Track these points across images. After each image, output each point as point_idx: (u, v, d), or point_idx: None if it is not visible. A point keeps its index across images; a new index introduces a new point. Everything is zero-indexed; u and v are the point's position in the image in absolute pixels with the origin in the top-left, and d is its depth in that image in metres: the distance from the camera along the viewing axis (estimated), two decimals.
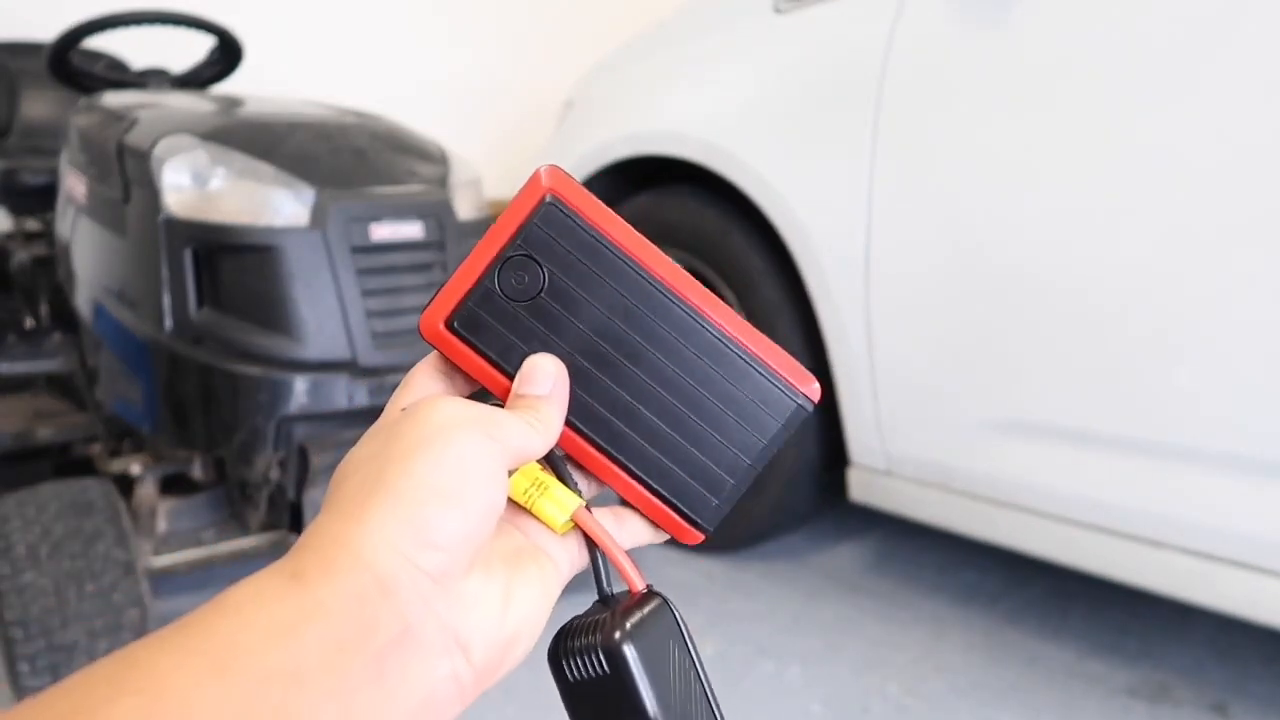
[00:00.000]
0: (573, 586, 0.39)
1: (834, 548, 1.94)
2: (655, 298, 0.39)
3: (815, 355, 1.62)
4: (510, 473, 0.37)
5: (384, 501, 0.32)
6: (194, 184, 1.41)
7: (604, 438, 0.39)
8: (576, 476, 0.40)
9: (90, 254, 1.58)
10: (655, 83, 1.95)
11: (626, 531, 0.40)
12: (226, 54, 1.90)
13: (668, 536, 0.41)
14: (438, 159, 1.62)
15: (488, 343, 0.38)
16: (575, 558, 0.38)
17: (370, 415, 1.38)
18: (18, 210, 2.08)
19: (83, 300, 1.60)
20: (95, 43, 1.96)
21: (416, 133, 1.70)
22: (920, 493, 1.53)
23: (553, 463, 0.39)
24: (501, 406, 0.37)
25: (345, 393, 1.38)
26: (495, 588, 0.34)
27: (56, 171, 1.78)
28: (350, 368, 1.39)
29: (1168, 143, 1.17)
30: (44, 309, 1.97)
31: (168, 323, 1.40)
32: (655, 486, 0.39)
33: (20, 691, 1.21)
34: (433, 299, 0.39)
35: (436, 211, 1.49)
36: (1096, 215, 1.24)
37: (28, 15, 2.44)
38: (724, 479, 0.39)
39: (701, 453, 0.39)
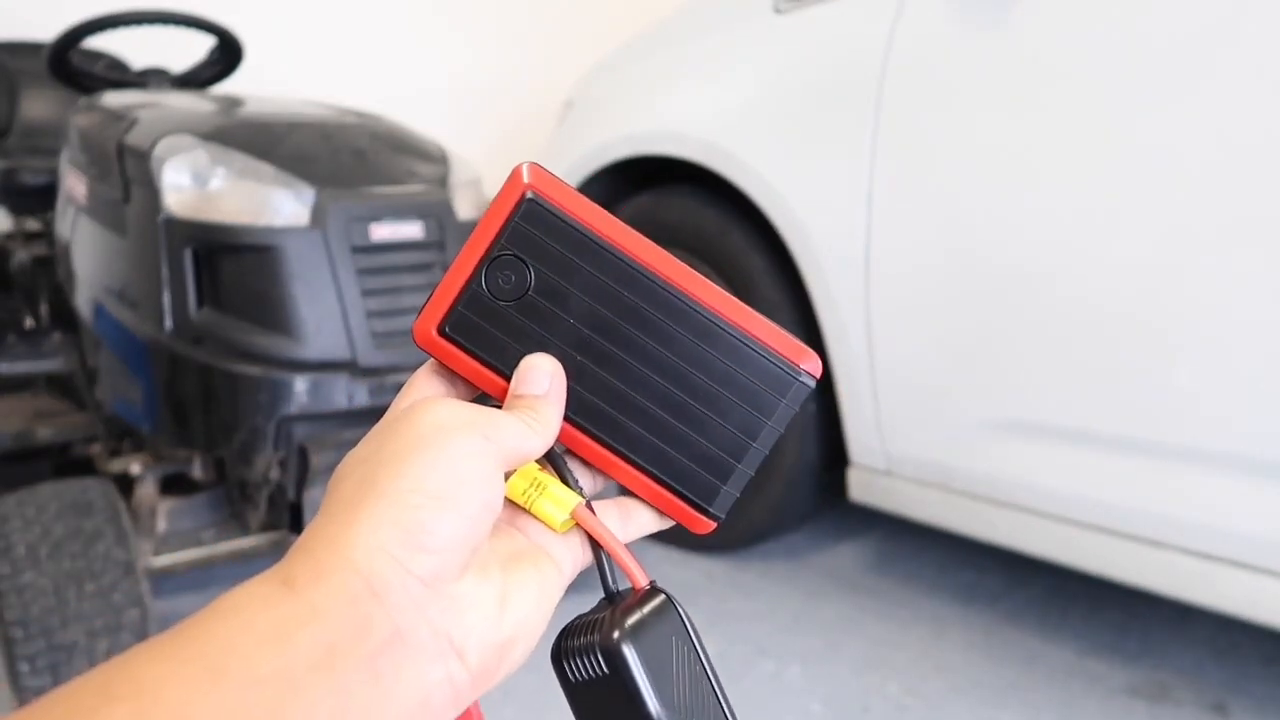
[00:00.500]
0: (583, 585, 0.39)
1: (834, 548, 1.94)
2: (645, 286, 0.38)
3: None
4: (509, 474, 0.37)
5: (375, 505, 0.32)
6: (194, 184, 1.41)
7: (605, 431, 0.39)
8: (580, 472, 0.40)
9: (90, 254, 1.58)
10: (655, 83, 1.95)
11: (633, 523, 0.40)
12: (226, 54, 1.90)
13: (673, 522, 0.40)
14: (438, 159, 1.61)
15: (481, 345, 0.38)
16: (579, 557, 0.38)
17: (370, 415, 1.38)
18: (18, 210, 2.07)
19: (83, 300, 1.60)
20: (95, 43, 1.96)
21: (416, 133, 1.70)
22: (920, 493, 1.53)
23: (553, 460, 0.38)
24: (500, 408, 0.37)
25: (345, 393, 1.38)
26: (490, 590, 0.33)
27: (56, 171, 1.78)
28: (350, 368, 1.39)
29: (1167, 143, 1.17)
30: (44, 309, 1.97)
31: (168, 323, 1.40)
32: (660, 476, 0.39)
33: (20, 691, 1.21)
34: (424, 306, 0.39)
35: (436, 211, 1.49)
36: (1096, 215, 1.24)
37: (28, 15, 2.44)
38: (729, 463, 0.39)
39: (704, 438, 0.39)
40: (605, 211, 0.39)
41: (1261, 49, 1.10)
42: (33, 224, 2.08)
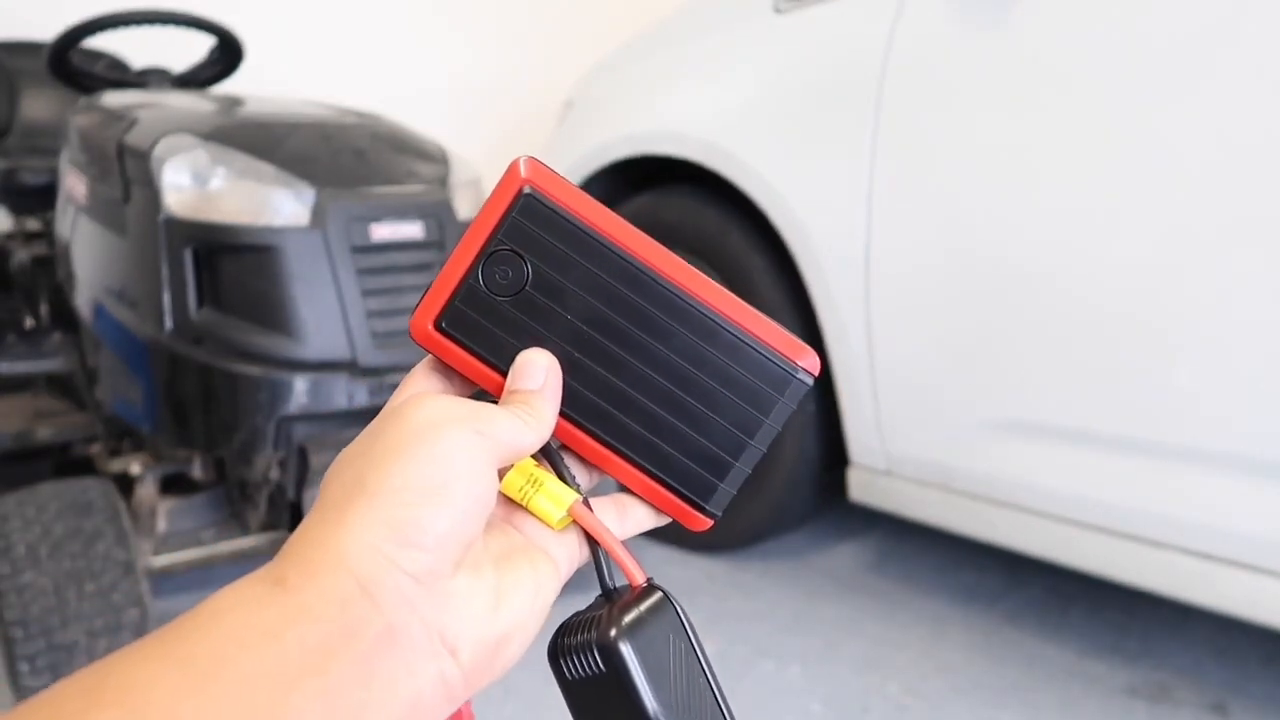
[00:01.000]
0: (580, 583, 0.39)
1: (834, 548, 1.93)
2: (642, 281, 0.38)
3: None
4: (505, 471, 0.36)
5: (366, 503, 0.31)
6: (194, 184, 1.41)
7: (601, 427, 0.38)
8: (577, 469, 0.40)
9: (90, 254, 1.58)
10: (655, 83, 1.95)
11: (630, 520, 0.40)
12: (226, 54, 1.90)
13: (670, 519, 0.40)
14: (438, 159, 1.62)
15: (478, 341, 0.38)
16: (576, 554, 0.38)
17: (370, 415, 1.38)
18: (18, 210, 2.07)
19: (83, 300, 1.61)
20: (95, 42, 1.96)
21: (416, 132, 1.70)
22: (920, 493, 1.53)
23: (549, 456, 0.38)
24: (496, 404, 0.37)
25: (345, 393, 1.38)
26: (484, 587, 0.33)
27: (56, 171, 1.78)
28: (350, 368, 1.39)
29: (1167, 142, 1.17)
30: (44, 309, 1.97)
31: (168, 323, 1.40)
32: (657, 473, 0.39)
33: (20, 691, 1.21)
34: (420, 301, 0.38)
35: (436, 211, 1.49)
36: (1096, 215, 1.24)
37: (28, 15, 2.44)
38: (727, 461, 0.39)
39: (702, 435, 0.39)
40: (603, 206, 0.39)
41: (1261, 49, 1.10)
42: (33, 224, 2.08)
